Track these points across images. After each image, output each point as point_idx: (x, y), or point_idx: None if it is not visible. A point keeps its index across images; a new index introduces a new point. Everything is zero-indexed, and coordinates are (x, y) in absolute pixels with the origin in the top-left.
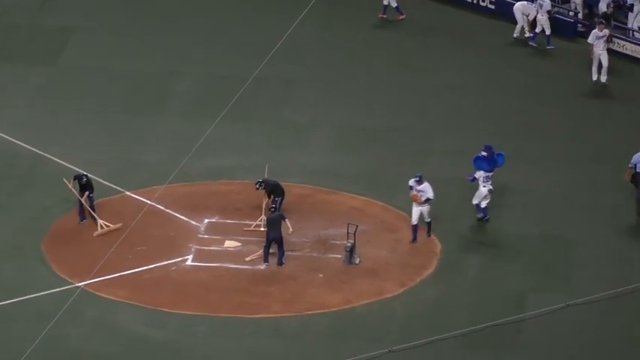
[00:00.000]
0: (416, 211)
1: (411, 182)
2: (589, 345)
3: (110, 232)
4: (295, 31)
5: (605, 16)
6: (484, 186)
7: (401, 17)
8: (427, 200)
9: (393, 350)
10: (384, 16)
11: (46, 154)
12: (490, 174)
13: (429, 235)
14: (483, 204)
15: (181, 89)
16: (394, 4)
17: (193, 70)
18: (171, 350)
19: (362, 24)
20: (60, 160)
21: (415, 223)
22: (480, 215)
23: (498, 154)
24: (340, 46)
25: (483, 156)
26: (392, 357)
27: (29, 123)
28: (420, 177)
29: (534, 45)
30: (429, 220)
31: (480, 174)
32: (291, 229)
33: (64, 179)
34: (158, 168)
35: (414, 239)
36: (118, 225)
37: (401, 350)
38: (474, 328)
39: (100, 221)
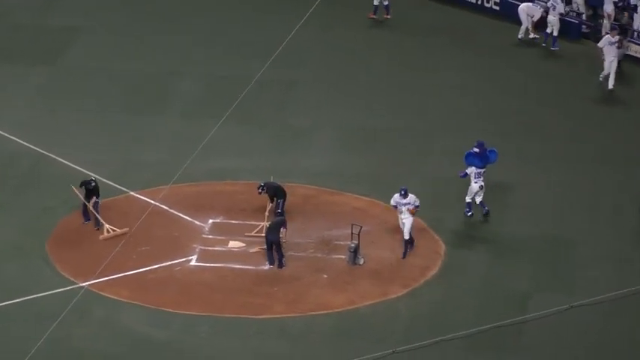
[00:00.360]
0: (402, 224)
1: (396, 197)
2: (593, 346)
3: (117, 236)
4: (297, 33)
5: (621, 26)
6: (475, 182)
7: (372, 16)
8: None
9: (397, 351)
10: (388, 17)
11: (49, 154)
12: (482, 170)
13: (404, 257)
14: (478, 199)
15: (182, 89)
16: (376, 2)
17: (193, 70)
18: (175, 350)
19: (363, 25)
20: (63, 160)
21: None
22: (469, 212)
23: (491, 151)
24: (342, 47)
25: (475, 152)
26: (396, 357)
27: (31, 123)
28: (406, 190)
29: (544, 45)
30: (407, 237)
31: (471, 170)
32: (284, 239)
33: (72, 187)
34: (160, 168)
35: (411, 248)
36: (125, 229)
37: (405, 351)
38: (477, 329)
39: (106, 226)
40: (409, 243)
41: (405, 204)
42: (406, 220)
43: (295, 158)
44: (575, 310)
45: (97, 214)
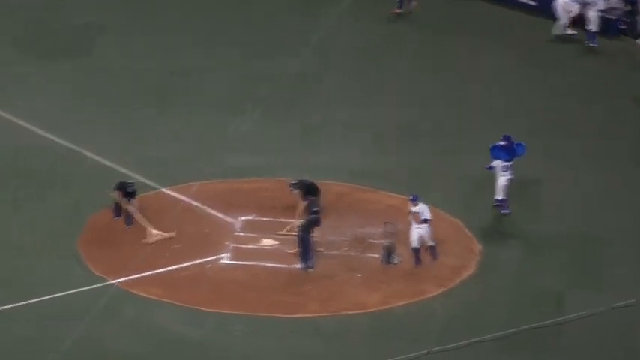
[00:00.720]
0: (414, 232)
1: (410, 204)
2: (634, 348)
3: (164, 239)
4: (324, 28)
5: None
6: (502, 175)
7: (397, 11)
8: (425, 221)
9: (432, 352)
10: (413, 9)
11: (81, 150)
12: (509, 164)
13: (435, 259)
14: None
15: (204, 87)
16: None
17: (210, 68)
18: (210, 349)
19: (388, 19)
20: (93, 156)
21: (415, 245)
22: (504, 210)
23: (518, 144)
24: (371, 43)
25: (501, 145)
26: (431, 358)
27: (54, 120)
28: (416, 197)
29: (587, 42)
30: (432, 243)
31: (497, 163)
32: (315, 239)
33: (109, 192)
34: (183, 165)
35: (417, 262)
36: (172, 233)
37: (440, 352)
38: (513, 330)
39: (154, 231)
40: (432, 248)
41: (415, 213)
42: (420, 229)
43: (327, 154)
44: (614, 311)
45: (140, 219)
